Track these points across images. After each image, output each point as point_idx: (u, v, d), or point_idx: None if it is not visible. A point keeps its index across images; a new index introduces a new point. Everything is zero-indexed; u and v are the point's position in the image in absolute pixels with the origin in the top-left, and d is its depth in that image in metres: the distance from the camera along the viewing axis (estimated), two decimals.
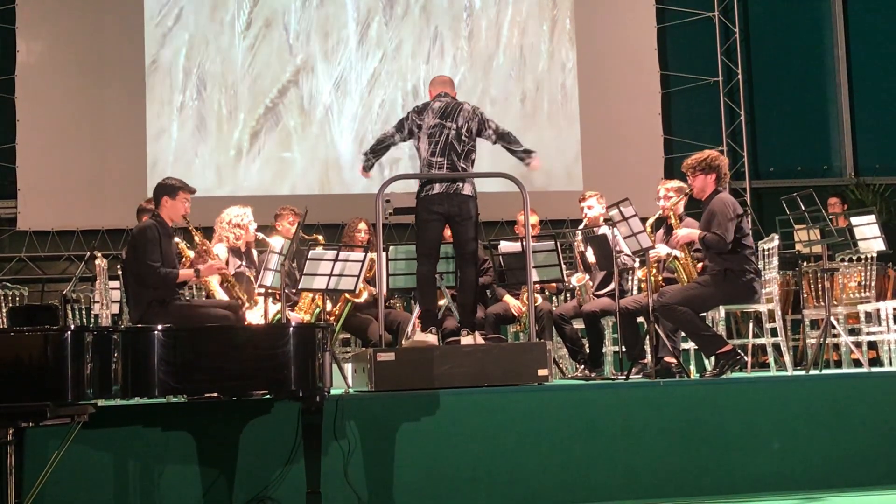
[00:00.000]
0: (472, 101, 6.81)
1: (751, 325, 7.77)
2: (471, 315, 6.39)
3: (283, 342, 4.70)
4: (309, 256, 6.43)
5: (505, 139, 6.41)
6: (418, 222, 6.38)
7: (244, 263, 7.07)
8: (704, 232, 6.42)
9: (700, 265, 6.61)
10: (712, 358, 6.48)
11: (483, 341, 6.31)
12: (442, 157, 6.29)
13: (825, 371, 7.13)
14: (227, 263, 6.83)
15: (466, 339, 6.15)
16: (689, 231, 6.64)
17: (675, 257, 6.66)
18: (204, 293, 7.01)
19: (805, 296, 8.05)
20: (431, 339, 6.11)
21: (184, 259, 6.59)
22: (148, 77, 11.20)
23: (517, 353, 5.87)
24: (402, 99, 11.48)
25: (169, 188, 6.21)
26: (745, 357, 6.46)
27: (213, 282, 6.69)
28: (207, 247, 6.56)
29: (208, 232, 7.20)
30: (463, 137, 6.33)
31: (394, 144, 6.54)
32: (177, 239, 6.53)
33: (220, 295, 6.70)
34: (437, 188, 6.27)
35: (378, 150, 6.52)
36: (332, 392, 5.24)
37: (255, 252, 7.35)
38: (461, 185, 6.27)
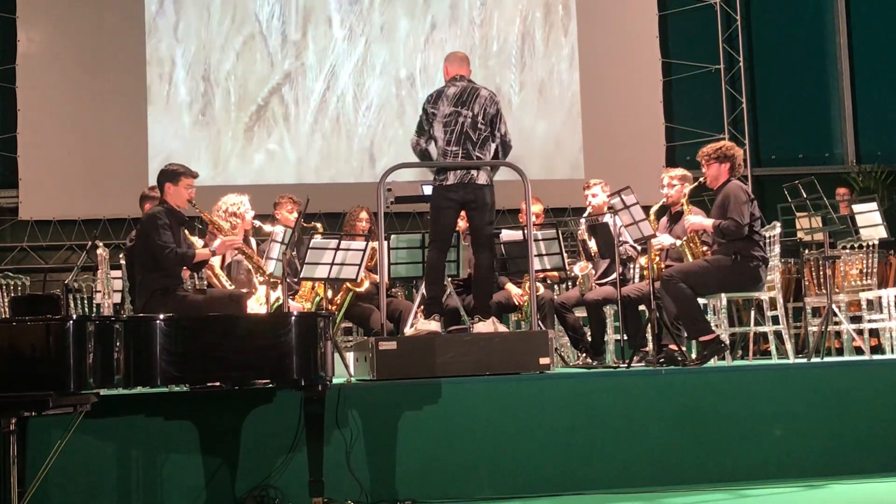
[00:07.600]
0: None
1: (752, 312, 7.77)
2: (486, 300, 6.28)
3: (285, 331, 4.69)
4: (311, 245, 6.43)
5: (502, 149, 6.31)
6: (433, 209, 6.28)
7: None
8: (719, 220, 6.38)
9: (708, 251, 6.59)
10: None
11: (503, 328, 6.28)
12: (457, 147, 6.17)
13: (827, 359, 7.12)
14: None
15: (480, 326, 6.05)
16: (701, 219, 6.61)
17: (685, 241, 6.64)
18: (206, 283, 6.98)
19: (807, 283, 8.05)
20: (435, 326, 6.06)
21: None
22: (148, 66, 11.19)
23: (519, 342, 5.87)
24: (399, 87, 11.46)
25: (170, 174, 6.22)
26: (727, 344, 6.44)
27: (217, 269, 6.69)
28: (218, 225, 6.56)
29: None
30: (479, 126, 6.20)
31: (428, 146, 6.35)
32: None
33: (224, 283, 6.70)
34: (450, 178, 6.16)
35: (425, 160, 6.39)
36: (334, 381, 5.24)
37: (253, 241, 7.32)
38: (475, 174, 6.16)
